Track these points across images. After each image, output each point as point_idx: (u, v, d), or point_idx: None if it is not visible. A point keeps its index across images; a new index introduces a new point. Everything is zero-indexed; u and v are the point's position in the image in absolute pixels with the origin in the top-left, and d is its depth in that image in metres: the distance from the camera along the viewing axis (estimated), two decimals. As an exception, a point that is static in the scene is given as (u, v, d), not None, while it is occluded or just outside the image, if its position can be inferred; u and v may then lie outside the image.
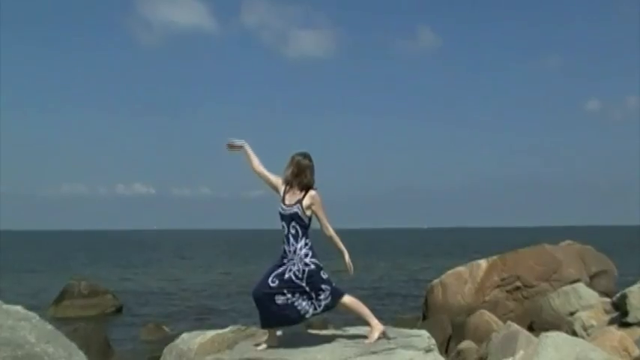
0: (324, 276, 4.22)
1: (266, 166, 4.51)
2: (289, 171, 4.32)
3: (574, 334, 7.10)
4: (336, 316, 13.16)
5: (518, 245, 13.14)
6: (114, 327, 13.05)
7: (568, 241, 12.35)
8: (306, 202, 4.29)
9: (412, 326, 8.82)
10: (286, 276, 4.18)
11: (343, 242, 4.34)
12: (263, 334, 4.92)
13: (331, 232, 4.33)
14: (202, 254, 47.84)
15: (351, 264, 4.32)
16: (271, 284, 4.19)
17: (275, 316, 4.24)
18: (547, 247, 11.26)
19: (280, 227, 4.30)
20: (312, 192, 4.31)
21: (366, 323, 4.38)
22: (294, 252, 4.24)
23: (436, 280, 11.17)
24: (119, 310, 15.14)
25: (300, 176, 4.30)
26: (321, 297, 4.22)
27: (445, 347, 8.78)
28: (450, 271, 11.23)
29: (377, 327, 4.33)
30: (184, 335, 5.02)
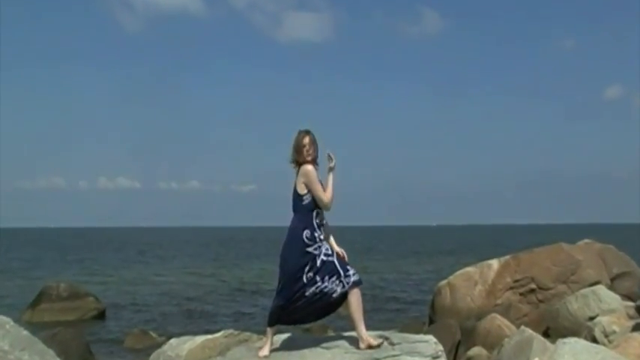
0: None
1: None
2: (312, 150, 4.40)
3: (594, 340, 7.10)
4: (336, 320, 13.23)
5: (532, 244, 13.15)
6: (96, 333, 13.03)
7: (587, 240, 12.34)
8: (298, 179, 4.41)
9: (418, 331, 8.82)
10: (318, 262, 4.31)
11: (337, 240, 4.46)
12: (258, 339, 4.92)
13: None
14: (192, 253, 47.89)
15: (343, 252, 4.44)
16: (306, 281, 4.30)
17: (301, 311, 4.36)
18: (564, 246, 11.25)
19: (313, 215, 4.36)
20: (303, 166, 4.40)
21: (355, 329, 4.42)
22: (321, 238, 4.39)
23: (444, 282, 11.17)
24: (101, 314, 15.14)
25: (300, 152, 4.40)
26: (350, 272, 4.35)
27: (453, 354, 8.79)
28: (458, 272, 11.24)
29: (365, 338, 4.38)
30: (172, 341, 5.03)
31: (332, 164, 4.42)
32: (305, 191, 4.37)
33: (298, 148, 4.40)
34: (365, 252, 47.14)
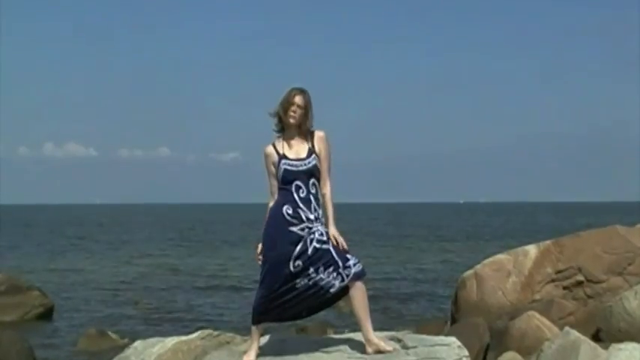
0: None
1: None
2: (295, 110, 4.45)
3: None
4: (337, 317, 13.30)
5: (579, 227, 13.18)
6: (42, 334, 13.07)
7: (648, 222, 12.37)
8: (318, 146, 4.50)
9: (438, 332, 8.90)
10: (310, 250, 4.35)
11: (338, 222, 4.51)
12: (242, 341, 4.96)
13: (329, 189, 4.52)
14: (161, 237, 48.04)
15: (339, 238, 4.45)
16: (294, 270, 4.36)
17: (291, 306, 4.42)
18: (619, 229, 11.27)
19: (292, 190, 4.44)
20: (319, 132, 4.54)
21: (361, 330, 4.47)
22: (318, 218, 4.45)
23: (470, 272, 11.21)
24: (49, 312, 15.18)
25: (308, 116, 4.49)
26: (350, 263, 4.37)
27: (481, 359, 8.87)
28: (488, 260, 11.26)
29: (372, 342, 4.38)
30: (137, 344, 5.06)
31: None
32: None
33: (309, 110, 4.51)
34: (373, 235, 47.46)
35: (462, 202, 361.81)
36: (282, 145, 4.52)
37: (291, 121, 4.45)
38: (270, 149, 4.56)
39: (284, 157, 4.47)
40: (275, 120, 4.54)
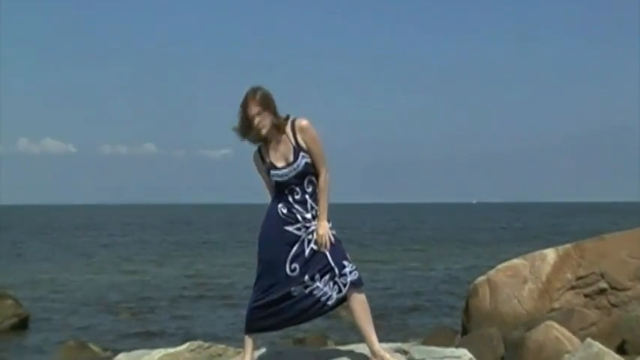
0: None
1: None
2: (259, 121, 4.37)
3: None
4: (338, 326, 13.29)
5: (602, 228, 13.17)
6: (16, 346, 13.12)
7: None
8: (303, 139, 4.44)
9: (447, 344, 8.89)
10: (307, 252, 4.38)
11: (334, 223, 4.50)
12: (235, 354, 4.95)
13: (323, 177, 4.49)
14: (146, 240, 48.14)
15: (327, 236, 4.41)
16: (290, 273, 4.38)
17: (285, 314, 4.42)
18: (647, 231, 11.28)
19: (286, 193, 4.45)
20: (301, 122, 4.47)
21: (366, 342, 4.46)
22: (315, 216, 4.46)
23: (482, 278, 11.22)
24: (23, 322, 15.19)
25: (272, 113, 4.41)
26: (346, 270, 4.39)
27: (496, 375, 8.87)
28: (502, 265, 11.27)
29: (378, 354, 4.39)
30: (121, 357, 5.06)
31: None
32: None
33: (271, 107, 4.45)
34: (379, 237, 47.60)
35: (474, 202, 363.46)
36: (268, 150, 4.49)
37: (264, 132, 4.40)
38: (256, 157, 4.58)
39: (272, 166, 4.45)
40: (247, 140, 4.52)
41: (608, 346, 7.37)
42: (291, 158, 4.41)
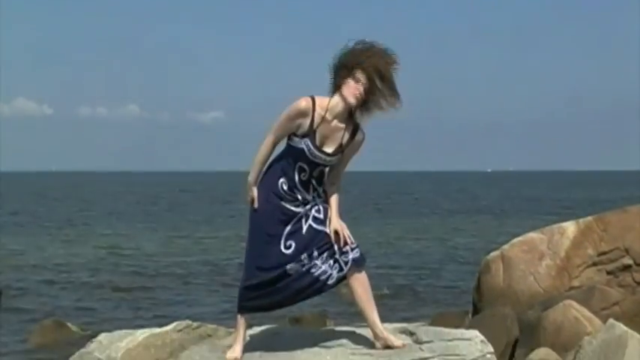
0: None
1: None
2: (360, 85, 4.26)
3: None
4: (338, 305, 13.31)
5: (625, 200, 13.17)
6: (-13, 326, 13.19)
7: None
8: (351, 149, 4.46)
9: (457, 324, 8.96)
10: (304, 229, 4.41)
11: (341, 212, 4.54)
12: (226, 334, 4.98)
13: (339, 181, 4.60)
14: (126, 211, 48.19)
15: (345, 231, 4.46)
16: (285, 250, 4.41)
17: (281, 294, 4.46)
18: (675, 203, 11.30)
19: (295, 168, 4.42)
20: (360, 136, 4.46)
21: (368, 323, 4.52)
22: (316, 197, 4.50)
23: (495, 253, 11.23)
24: (-5, 298, 15.28)
25: (375, 98, 4.32)
26: (347, 247, 4.42)
27: (509, 357, 8.93)
28: (517, 239, 11.27)
29: (381, 336, 4.44)
30: (102, 337, 5.08)
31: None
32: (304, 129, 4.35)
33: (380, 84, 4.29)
34: (392, 208, 47.71)
35: (489, 170, 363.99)
36: (323, 115, 4.30)
37: (352, 100, 4.27)
38: (307, 109, 4.29)
39: (311, 139, 4.31)
40: (334, 78, 4.35)
41: (632, 327, 7.40)
42: (331, 150, 4.37)
